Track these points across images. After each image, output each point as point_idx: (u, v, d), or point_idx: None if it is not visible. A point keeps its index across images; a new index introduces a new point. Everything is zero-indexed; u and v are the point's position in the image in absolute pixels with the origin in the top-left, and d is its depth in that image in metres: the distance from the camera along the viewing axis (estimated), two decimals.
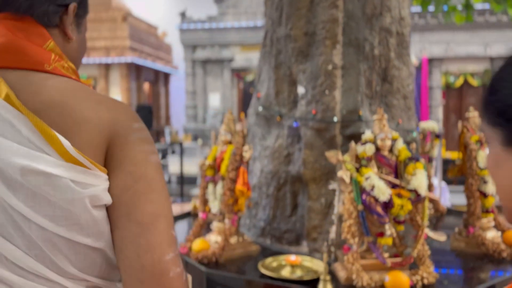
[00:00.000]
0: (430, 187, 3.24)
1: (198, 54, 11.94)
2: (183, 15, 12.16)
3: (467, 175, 2.35)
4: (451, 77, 12.12)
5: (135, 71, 14.89)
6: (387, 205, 1.85)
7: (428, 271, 1.88)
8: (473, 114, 2.43)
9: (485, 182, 2.32)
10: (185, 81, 12.21)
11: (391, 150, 2.02)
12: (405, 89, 2.49)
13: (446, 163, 8.40)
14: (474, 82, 12.05)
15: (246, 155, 2.25)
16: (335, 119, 2.23)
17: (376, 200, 1.85)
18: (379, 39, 2.36)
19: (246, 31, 11.28)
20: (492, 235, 2.34)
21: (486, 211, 2.37)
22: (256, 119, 2.73)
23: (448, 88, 12.06)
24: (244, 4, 11.76)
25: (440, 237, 2.14)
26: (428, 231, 2.02)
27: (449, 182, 7.78)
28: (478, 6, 11.67)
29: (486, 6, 11.72)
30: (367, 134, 2.02)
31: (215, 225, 2.36)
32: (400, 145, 2.00)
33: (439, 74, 11.99)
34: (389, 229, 1.85)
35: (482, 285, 1.81)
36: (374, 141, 2.01)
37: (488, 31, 11.67)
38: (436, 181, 6.43)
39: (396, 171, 1.99)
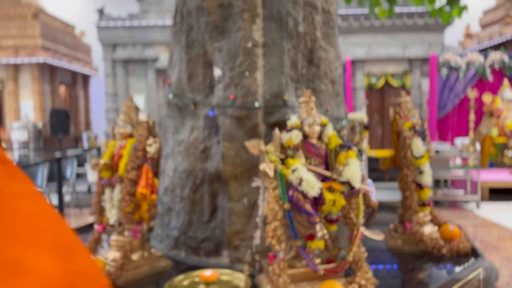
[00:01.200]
0: (362, 179, 3.04)
1: (118, 54, 11.14)
2: (101, 12, 11.31)
3: (402, 166, 2.15)
4: (373, 78, 12.53)
5: (49, 73, 13.71)
6: (317, 202, 1.56)
7: (366, 277, 1.61)
8: (405, 99, 2.24)
9: (421, 172, 2.13)
10: (104, 82, 11.34)
11: (320, 138, 1.73)
12: (333, 73, 2.23)
13: (370, 161, 8.55)
14: (395, 83, 12.57)
15: (151, 149, 1.84)
16: (257, 104, 1.90)
17: (305, 196, 1.55)
18: (303, 14, 2.08)
19: (171, 29, 10.72)
20: (429, 230, 2.16)
21: (422, 204, 2.19)
22: (168, 110, 2.32)
23: (370, 89, 12.45)
24: (168, 1, 11.22)
25: (377, 235, 1.89)
26: (364, 230, 1.75)
27: (374, 179, 7.91)
28: (397, 9, 12.21)
29: (404, 9, 12.31)
30: (293, 120, 1.72)
31: (114, 238, 1.92)
32: (330, 131, 1.72)
33: (362, 75, 12.34)
34: (320, 230, 1.55)
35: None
36: (301, 128, 1.71)
37: (406, 34, 12.24)
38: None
39: (326, 161, 1.70)
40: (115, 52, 10.96)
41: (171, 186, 2.22)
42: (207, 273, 1.66)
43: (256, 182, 1.94)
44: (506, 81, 11.34)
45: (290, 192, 1.56)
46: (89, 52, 17.39)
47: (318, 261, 1.66)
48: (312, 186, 1.53)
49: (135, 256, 1.86)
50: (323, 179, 1.66)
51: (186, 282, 1.71)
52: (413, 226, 2.09)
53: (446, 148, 9.01)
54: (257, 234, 1.89)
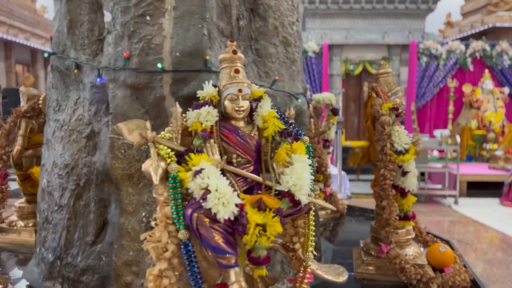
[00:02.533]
0: (327, 181, 2.41)
1: None
2: None
3: (378, 163, 1.51)
4: (350, 65, 11.99)
5: (3, 50, 12.70)
6: (236, 228, 0.90)
7: None
8: (385, 71, 1.60)
9: (404, 174, 1.50)
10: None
11: (250, 120, 1.07)
12: (286, 30, 1.57)
13: (346, 150, 8.02)
14: (373, 70, 12.07)
15: None
16: (160, 66, 1.23)
17: (213, 218, 0.89)
18: None
19: None
20: (412, 253, 1.54)
21: (404, 217, 1.56)
22: (53, 77, 1.62)
23: (347, 76, 11.91)
24: None
25: (337, 276, 1.23)
26: (315, 269, 1.10)
27: (348, 171, 7.40)
28: None
29: None
30: (207, 89, 1.05)
31: None
32: (266, 108, 1.05)
33: (339, 61, 11.78)
34: (236, 282, 0.89)
35: None
36: (218, 102, 1.04)
37: (386, 19, 11.72)
38: (336, 170, 5.86)
39: (259, 157, 1.05)
40: None
41: (49, 187, 1.53)
42: None
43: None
44: (486, 72, 10.96)
45: (189, 211, 0.90)
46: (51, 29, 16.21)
47: None
48: (225, 201, 0.87)
49: None
50: (251, 187, 1.01)
51: None
52: (391, 249, 1.47)
53: (425, 139, 8.55)
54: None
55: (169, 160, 0.94)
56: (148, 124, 0.97)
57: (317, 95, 2.34)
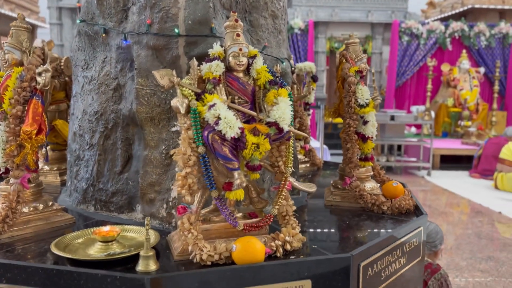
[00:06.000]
0: (305, 139, 2.82)
1: (65, 1, 10.23)
2: None
3: (345, 115, 1.92)
4: (335, 42, 12.30)
5: None
6: (238, 145, 1.29)
7: (293, 233, 1.39)
8: (354, 41, 1.98)
9: (365, 123, 1.91)
10: (50, 32, 10.45)
11: (247, 72, 1.45)
12: (274, 4, 1.93)
13: (327, 126, 8.44)
14: None
15: (41, 79, 1.49)
16: (177, 31, 1.58)
17: (223, 137, 1.27)
18: None
19: None
20: (370, 186, 1.96)
21: (365, 158, 1.98)
22: (78, 40, 1.95)
23: (331, 54, 12.23)
24: None
25: (308, 187, 1.66)
26: (293, 181, 1.51)
27: (331, 146, 7.84)
28: None
29: None
30: (216, 48, 1.42)
31: (0, 188, 1.59)
32: (259, 63, 1.43)
33: (324, 39, 12.08)
34: (238, 178, 1.29)
35: (358, 248, 1.37)
36: (224, 59, 1.41)
37: None
38: (318, 144, 6.30)
39: (254, 100, 1.43)
40: None
41: (80, 131, 1.89)
42: (105, 228, 1.38)
43: (177, 126, 1.65)
44: (464, 52, 11.41)
45: (205, 133, 1.29)
46: (36, 0, 16.02)
47: (239, 215, 1.41)
48: (231, 125, 1.25)
49: (25, 209, 1.55)
50: (248, 120, 1.39)
51: (80, 240, 1.42)
52: (353, 181, 1.89)
53: (402, 115, 9.02)
54: (175, 185, 1.61)
55: (190, 98, 1.31)
56: (174, 72, 1.34)
57: (299, 64, 2.71)
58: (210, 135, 1.27)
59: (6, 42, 1.57)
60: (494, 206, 6.16)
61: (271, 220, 1.40)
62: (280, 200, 1.41)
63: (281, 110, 1.34)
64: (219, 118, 1.27)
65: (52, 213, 1.63)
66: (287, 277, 1.25)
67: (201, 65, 1.39)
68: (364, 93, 1.88)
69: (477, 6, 11.86)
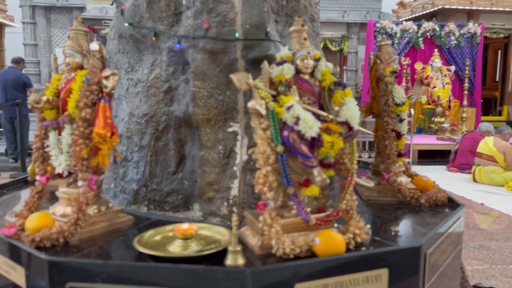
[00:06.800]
0: None
1: None
2: None
3: (382, 113, 2.02)
4: None
5: None
6: (314, 144, 1.37)
7: (360, 227, 1.48)
8: (386, 42, 2.09)
9: (401, 121, 2.03)
10: (23, 32, 10.08)
11: (312, 74, 1.52)
12: (313, 8, 2.02)
13: None
14: (333, 47, 12.68)
15: (108, 82, 1.51)
16: (237, 35, 1.64)
17: (301, 137, 1.35)
18: None
19: None
20: (404, 180, 2.08)
21: (399, 154, 2.10)
22: (119, 43, 1.97)
23: None
24: None
25: (367, 183, 1.75)
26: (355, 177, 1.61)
27: None
28: None
29: None
30: (284, 52, 1.49)
31: (63, 191, 1.60)
32: (323, 66, 1.51)
33: None
34: (319, 175, 1.36)
35: (424, 238, 1.47)
36: (292, 62, 1.49)
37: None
38: None
39: (319, 100, 1.51)
40: None
41: (127, 133, 1.90)
42: (184, 226, 1.42)
43: (233, 127, 1.70)
44: (436, 51, 11.88)
45: (285, 133, 1.36)
46: None
47: (308, 210, 1.49)
48: (311, 125, 1.33)
49: (90, 211, 1.56)
50: (317, 119, 1.47)
51: (157, 238, 1.46)
52: (391, 176, 2.00)
53: None
54: (235, 184, 1.67)
55: (267, 99, 1.38)
56: (250, 75, 1.40)
57: None
58: (291, 135, 1.34)
59: (67, 46, 1.57)
60: (475, 198, 6.48)
61: (340, 215, 1.48)
62: (347, 195, 1.49)
63: (351, 110, 1.43)
64: (298, 118, 1.34)
65: (113, 214, 1.65)
66: (366, 267, 1.34)
67: (270, 68, 1.45)
68: (400, 92, 2.00)
69: (447, 6, 12.36)
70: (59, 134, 1.59)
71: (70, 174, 1.58)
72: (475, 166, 7.53)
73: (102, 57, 1.63)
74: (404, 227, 1.69)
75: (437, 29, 11.88)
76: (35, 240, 1.39)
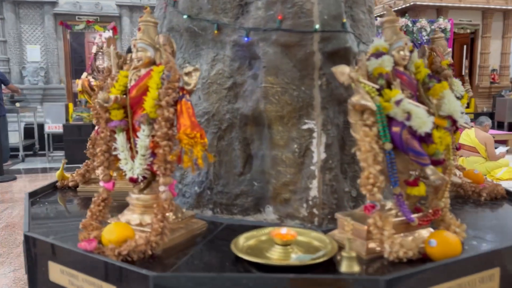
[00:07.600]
0: None
1: None
2: None
3: None
4: None
5: None
6: (423, 140, 1.30)
7: (458, 224, 1.43)
8: (439, 35, 2.06)
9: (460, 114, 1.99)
10: None
11: (405, 67, 1.45)
12: (370, 0, 1.95)
13: None
14: None
15: (191, 79, 1.38)
16: (317, 26, 1.54)
17: (413, 133, 1.28)
18: None
19: None
20: (459, 173, 2.07)
21: (454, 148, 2.07)
22: (172, 37, 1.82)
23: None
24: None
25: (458, 179, 1.71)
26: None
27: None
28: None
29: None
30: (379, 43, 1.41)
31: (136, 197, 1.45)
32: (416, 58, 1.45)
33: None
34: (433, 174, 1.29)
35: None
36: (387, 53, 1.41)
37: None
38: None
39: (416, 94, 1.44)
40: None
41: None
42: (282, 230, 1.32)
43: (309, 124, 1.61)
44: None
45: (395, 129, 1.28)
46: None
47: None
48: (424, 120, 1.26)
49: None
50: None
51: (251, 242, 1.35)
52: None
53: None
54: (314, 184, 1.58)
55: (372, 94, 1.29)
56: (351, 68, 1.31)
57: None
58: (403, 131, 1.27)
59: (138, 39, 1.42)
60: None
61: (440, 214, 1.43)
62: (446, 193, 1.44)
63: (452, 103, 1.37)
64: (409, 114, 1.27)
65: (188, 220, 1.53)
66: (481, 267, 1.29)
67: (368, 60, 1.37)
68: (458, 86, 1.97)
69: (418, 3, 12.68)
70: (129, 136, 1.44)
71: (144, 178, 1.43)
72: (458, 157, 7.75)
73: (173, 52, 1.49)
74: (488, 223, 1.66)
75: (410, 25, 12.17)
76: (122, 253, 1.25)
